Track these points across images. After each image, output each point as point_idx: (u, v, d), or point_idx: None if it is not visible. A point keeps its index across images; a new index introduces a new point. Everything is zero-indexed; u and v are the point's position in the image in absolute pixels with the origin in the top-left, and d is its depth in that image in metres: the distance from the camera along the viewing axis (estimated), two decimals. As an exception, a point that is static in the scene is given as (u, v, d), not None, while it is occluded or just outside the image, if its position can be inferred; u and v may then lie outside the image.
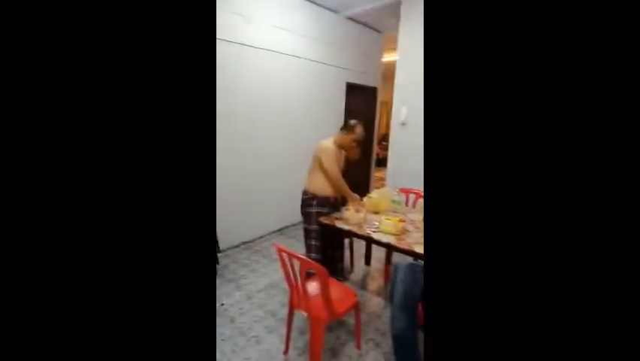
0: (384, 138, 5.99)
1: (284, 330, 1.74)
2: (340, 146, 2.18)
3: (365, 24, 4.03)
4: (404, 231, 1.88)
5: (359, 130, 2.15)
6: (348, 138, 2.15)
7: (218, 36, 2.55)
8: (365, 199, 2.27)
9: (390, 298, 1.45)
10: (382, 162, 4.17)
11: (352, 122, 2.18)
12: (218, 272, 2.56)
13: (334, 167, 2.08)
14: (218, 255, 2.85)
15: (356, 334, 1.78)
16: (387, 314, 2.03)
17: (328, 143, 2.13)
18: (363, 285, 2.46)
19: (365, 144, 4.50)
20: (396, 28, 3.17)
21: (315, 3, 3.36)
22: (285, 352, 1.70)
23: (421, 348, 1.33)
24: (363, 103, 4.44)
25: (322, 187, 2.13)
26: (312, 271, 1.63)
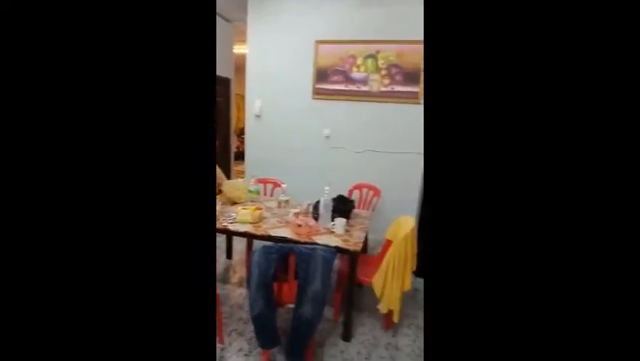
0: (243, 131, 5.94)
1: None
2: None
3: (213, 10, 3.84)
4: (261, 218, 1.94)
5: None
6: None
7: None
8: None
9: (247, 283, 1.48)
10: (242, 155, 4.14)
11: None
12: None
13: None
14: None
15: (217, 329, 1.73)
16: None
17: None
18: (225, 279, 2.41)
19: (223, 137, 4.34)
20: (245, 20, 3.17)
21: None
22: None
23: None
24: (216, 94, 4.26)
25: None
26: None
